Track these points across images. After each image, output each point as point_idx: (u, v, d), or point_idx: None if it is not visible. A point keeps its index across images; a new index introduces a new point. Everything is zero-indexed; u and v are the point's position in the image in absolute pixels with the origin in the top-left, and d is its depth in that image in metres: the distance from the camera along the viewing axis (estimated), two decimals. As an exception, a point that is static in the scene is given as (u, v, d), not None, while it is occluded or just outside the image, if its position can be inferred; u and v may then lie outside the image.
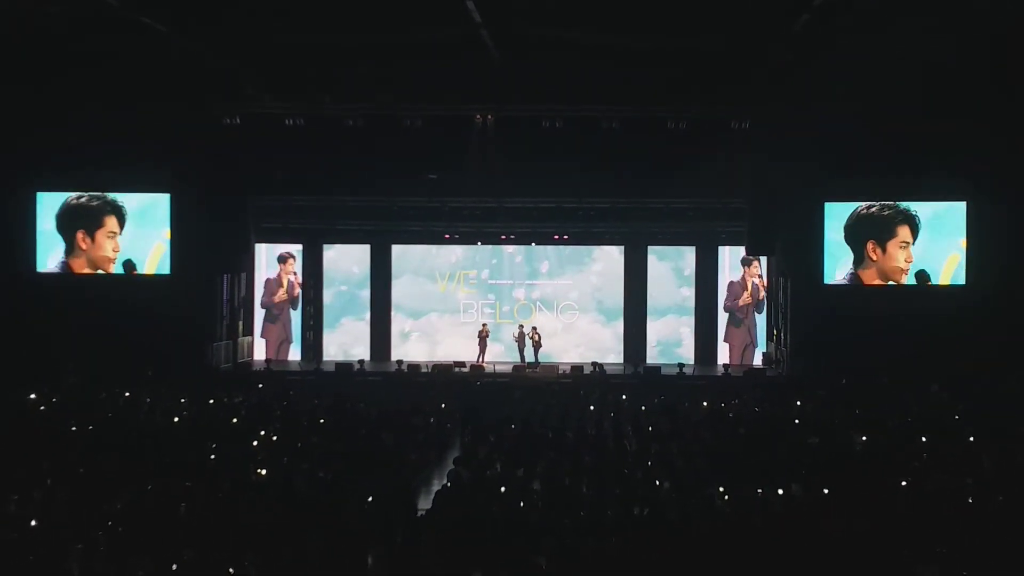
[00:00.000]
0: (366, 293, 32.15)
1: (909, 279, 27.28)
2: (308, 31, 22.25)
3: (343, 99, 27.01)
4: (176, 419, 19.71)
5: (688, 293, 31.63)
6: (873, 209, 27.44)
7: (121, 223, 28.09)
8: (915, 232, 27.26)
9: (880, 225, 27.45)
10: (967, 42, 21.56)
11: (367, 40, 22.85)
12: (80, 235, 28.05)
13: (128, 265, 28.06)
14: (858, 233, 27.47)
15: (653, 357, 30.95)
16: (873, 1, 20.11)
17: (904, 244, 27.29)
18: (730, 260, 31.35)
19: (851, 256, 27.52)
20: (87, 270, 28.12)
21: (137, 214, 28.19)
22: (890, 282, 27.37)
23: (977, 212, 26.99)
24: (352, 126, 27.20)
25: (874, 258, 27.37)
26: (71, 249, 28.09)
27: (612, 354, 31.21)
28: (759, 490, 13.76)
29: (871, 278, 27.44)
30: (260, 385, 25.26)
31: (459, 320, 31.98)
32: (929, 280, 27.15)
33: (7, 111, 25.84)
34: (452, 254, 32.11)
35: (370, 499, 13.66)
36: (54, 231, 28.10)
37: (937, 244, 27.36)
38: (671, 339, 31.65)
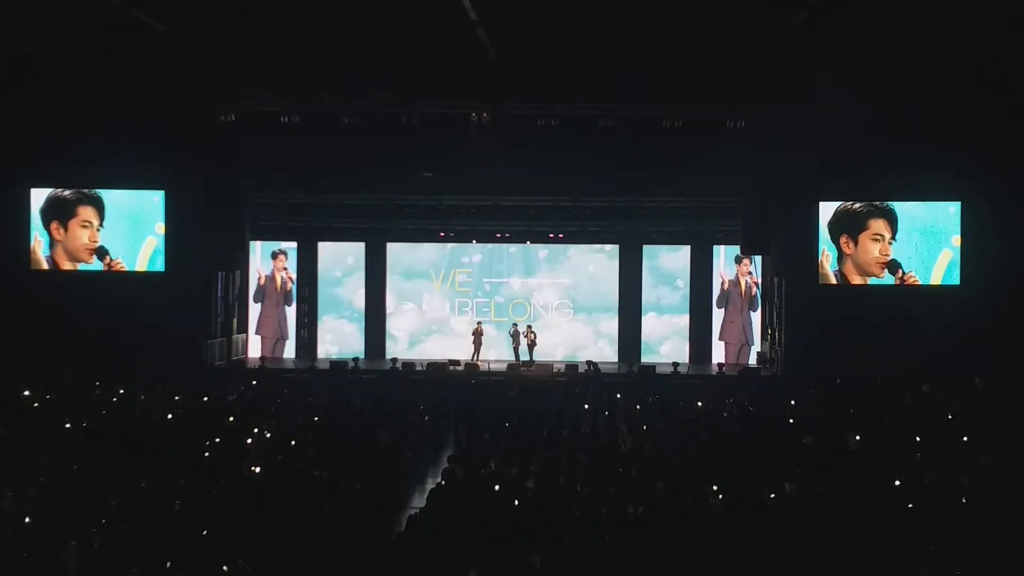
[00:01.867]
0: (344, 291, 32.21)
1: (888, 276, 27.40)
2: (306, 29, 22.24)
3: (340, 97, 27.00)
4: (171, 416, 19.70)
5: (664, 292, 31.71)
6: (849, 205, 27.54)
7: (100, 214, 28.02)
8: (892, 226, 27.30)
9: (853, 219, 27.52)
10: (963, 42, 21.56)
11: (364, 38, 22.82)
12: (54, 226, 28.00)
13: (100, 252, 27.98)
14: (836, 230, 27.55)
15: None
16: (870, 0, 20.13)
17: (878, 237, 27.33)
18: (725, 259, 31.41)
19: (835, 254, 27.60)
20: (66, 261, 28.04)
21: (128, 210, 28.14)
22: (869, 278, 27.37)
23: (971, 212, 27.02)
24: (348, 124, 27.20)
25: (848, 252, 27.43)
26: (52, 242, 28.09)
27: (607, 353, 31.27)
28: (753, 489, 13.79)
29: (850, 273, 27.46)
30: (254, 382, 25.29)
31: (454, 318, 32.03)
32: (900, 269, 27.19)
33: (2, 107, 25.77)
34: (448, 245, 32.14)
35: (365, 497, 13.67)
36: (41, 227, 28.09)
37: (928, 244, 27.41)
38: (652, 338, 31.70)
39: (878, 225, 27.33)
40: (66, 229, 28.00)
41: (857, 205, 27.45)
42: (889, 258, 27.26)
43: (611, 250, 31.86)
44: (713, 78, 25.00)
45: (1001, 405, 20.96)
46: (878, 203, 27.36)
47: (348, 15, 21.15)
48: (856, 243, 27.39)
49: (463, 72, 25.00)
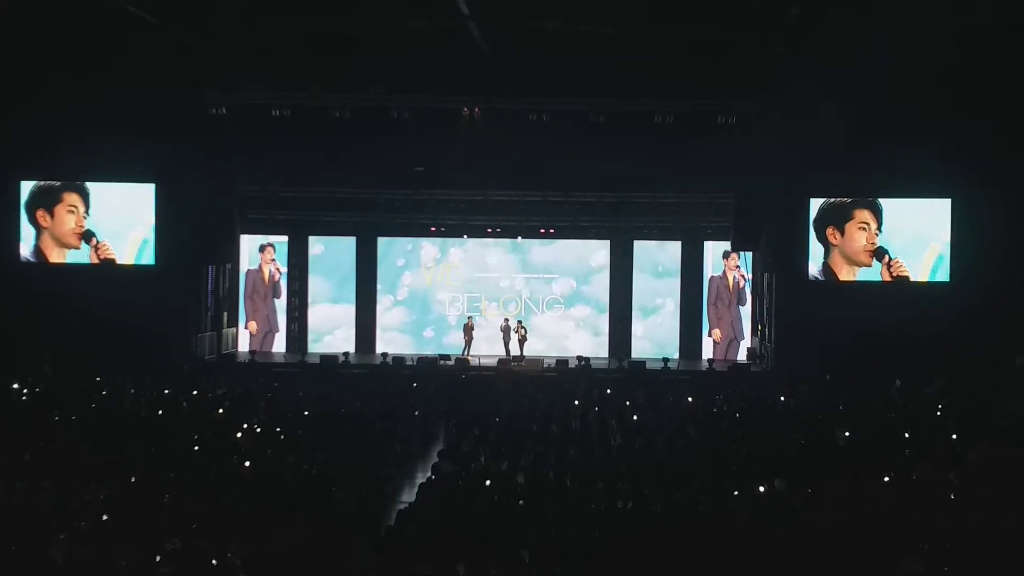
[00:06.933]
0: (335, 284, 32.20)
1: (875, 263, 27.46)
2: (297, 22, 22.21)
3: (331, 90, 26.96)
4: (160, 410, 19.63)
5: (655, 287, 31.67)
6: (833, 200, 27.61)
7: (85, 200, 27.91)
8: (878, 217, 27.36)
9: (838, 210, 27.60)
10: (956, 39, 21.61)
11: (356, 32, 22.79)
12: (40, 213, 27.97)
13: (87, 235, 27.90)
14: (822, 224, 27.60)
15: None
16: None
17: (863, 226, 27.40)
18: (714, 255, 31.40)
19: (823, 249, 27.62)
20: (54, 248, 27.97)
21: (118, 202, 28.05)
22: (858, 267, 27.42)
23: (962, 210, 27.06)
24: (339, 118, 27.14)
25: (835, 243, 27.50)
26: (39, 232, 28.03)
27: (597, 348, 31.25)
28: (743, 484, 13.79)
29: (838, 264, 27.52)
30: (244, 376, 25.20)
31: (445, 313, 32.00)
32: (887, 255, 27.24)
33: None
34: (438, 240, 32.09)
35: (355, 491, 13.65)
36: (27, 219, 28.04)
37: (917, 239, 27.45)
38: (642, 334, 31.67)
39: (863, 215, 27.44)
40: (52, 215, 27.95)
41: (845, 198, 27.54)
42: (876, 246, 27.32)
43: (602, 245, 31.82)
44: (705, 73, 25.02)
45: (989, 400, 21.02)
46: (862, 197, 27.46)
47: (339, 8, 21.14)
48: (843, 232, 27.46)
49: (454, 66, 25.00)
